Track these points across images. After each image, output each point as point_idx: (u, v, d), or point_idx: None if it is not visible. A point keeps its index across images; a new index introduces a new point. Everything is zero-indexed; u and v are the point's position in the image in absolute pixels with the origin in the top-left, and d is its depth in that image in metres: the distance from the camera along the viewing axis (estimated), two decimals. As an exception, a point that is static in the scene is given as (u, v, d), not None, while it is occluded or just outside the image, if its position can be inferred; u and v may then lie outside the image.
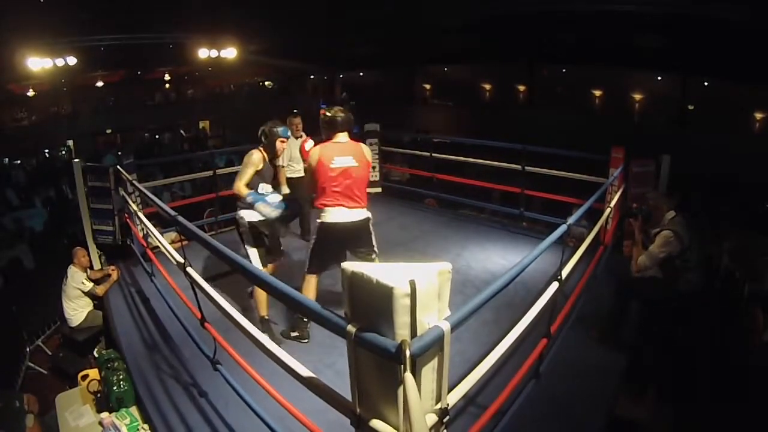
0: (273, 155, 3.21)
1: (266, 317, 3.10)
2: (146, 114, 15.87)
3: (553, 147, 4.82)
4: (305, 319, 3.05)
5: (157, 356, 3.10)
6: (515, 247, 4.63)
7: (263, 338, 1.81)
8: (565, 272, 2.44)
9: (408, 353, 1.13)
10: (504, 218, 5.62)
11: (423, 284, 1.22)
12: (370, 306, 1.25)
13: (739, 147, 8.62)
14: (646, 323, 3.13)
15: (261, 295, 3.09)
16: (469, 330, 3.01)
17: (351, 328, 1.26)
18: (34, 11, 8.80)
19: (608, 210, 3.83)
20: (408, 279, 1.19)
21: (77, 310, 4.13)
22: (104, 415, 2.80)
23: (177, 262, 2.48)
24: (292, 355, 1.67)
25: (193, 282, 2.35)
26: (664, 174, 4.15)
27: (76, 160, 4.51)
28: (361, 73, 17.45)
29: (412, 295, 1.19)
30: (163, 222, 4.78)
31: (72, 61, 10.35)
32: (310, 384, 1.55)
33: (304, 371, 1.58)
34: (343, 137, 2.89)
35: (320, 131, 2.98)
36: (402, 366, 1.14)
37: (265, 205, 2.97)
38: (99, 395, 3.05)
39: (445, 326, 1.26)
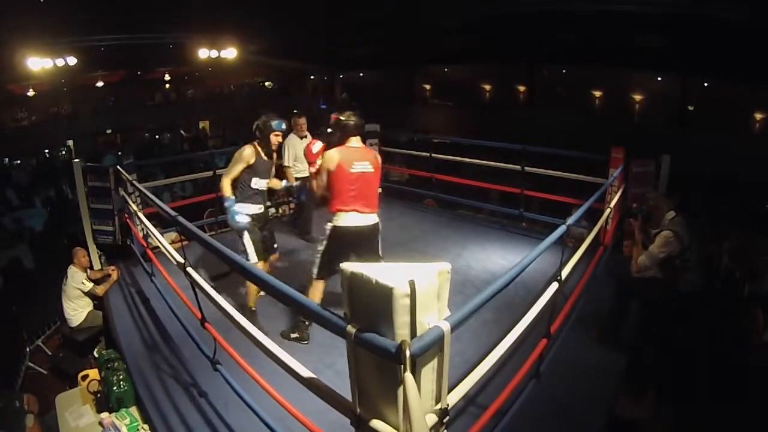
0: (269, 149, 3.21)
1: (254, 309, 3.18)
2: (146, 114, 15.86)
3: (553, 147, 4.82)
4: (306, 321, 3.06)
5: (157, 356, 3.10)
6: (515, 247, 4.63)
7: (263, 338, 1.81)
8: (564, 272, 2.44)
9: (408, 353, 1.13)
10: (504, 218, 5.62)
11: (423, 284, 1.22)
12: (370, 306, 1.25)
13: (739, 147, 8.62)
14: (646, 323, 3.13)
15: (252, 288, 3.17)
16: (469, 330, 3.01)
17: (351, 329, 1.26)
18: (34, 11, 8.79)
19: (608, 210, 3.83)
20: (408, 279, 1.19)
21: (77, 310, 4.13)
22: (104, 415, 2.80)
23: (177, 262, 2.48)
24: (292, 356, 1.67)
25: (193, 282, 2.35)
26: (664, 174, 4.15)
27: (76, 160, 4.51)
28: (361, 73, 17.44)
29: (412, 295, 1.19)
30: (163, 222, 4.78)
31: (72, 61, 10.35)
32: (310, 384, 1.55)
33: (304, 371, 1.58)
34: (356, 142, 2.90)
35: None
36: (402, 366, 1.14)
37: (232, 219, 3.06)
38: (99, 395, 3.05)
39: (445, 326, 1.26)
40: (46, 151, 14.29)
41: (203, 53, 11.69)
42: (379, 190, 3.02)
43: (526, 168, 4.79)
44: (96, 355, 3.89)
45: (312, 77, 18.13)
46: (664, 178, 4.15)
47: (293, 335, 3.08)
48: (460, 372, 1.78)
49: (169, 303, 3.20)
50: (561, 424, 2.39)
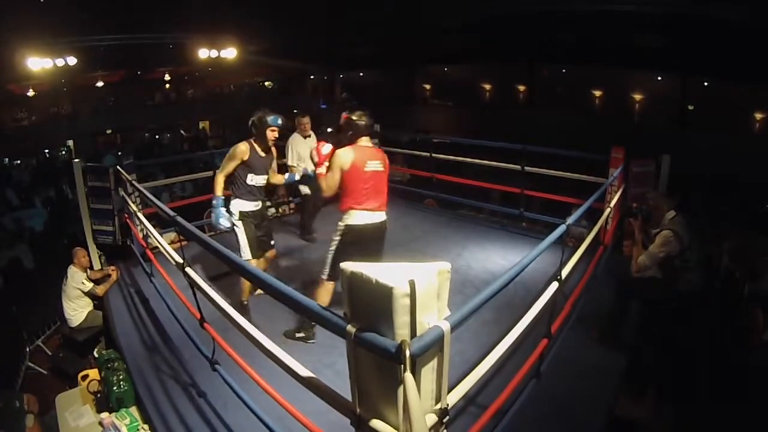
0: (265, 145, 3.21)
1: (245, 302, 3.21)
2: (146, 114, 15.86)
3: (553, 147, 4.81)
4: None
5: (157, 356, 3.10)
6: (515, 247, 4.63)
7: (263, 338, 1.81)
8: (564, 272, 2.44)
9: (408, 353, 1.13)
10: (504, 218, 5.62)
11: (422, 284, 1.22)
12: (370, 306, 1.25)
13: (739, 147, 8.62)
14: (646, 323, 3.12)
15: (245, 282, 3.19)
16: (469, 330, 3.01)
17: (351, 328, 1.26)
18: (34, 11, 8.78)
19: (608, 210, 3.83)
20: (407, 279, 1.19)
21: (77, 310, 4.13)
22: (104, 415, 2.80)
23: (176, 262, 2.48)
24: (292, 355, 1.67)
25: (192, 282, 2.35)
26: (664, 174, 4.15)
27: (76, 160, 4.51)
28: (361, 73, 17.44)
29: (412, 295, 1.19)
30: (162, 222, 4.78)
31: (72, 61, 10.34)
32: (309, 384, 1.55)
33: (304, 371, 1.58)
34: (367, 141, 2.90)
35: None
36: (402, 366, 1.14)
37: (216, 220, 3.15)
38: (99, 395, 3.05)
39: (445, 326, 1.26)
40: (46, 151, 14.29)
41: (203, 53, 11.69)
42: None
43: (527, 168, 4.79)
44: (96, 355, 3.89)
45: (312, 77, 18.13)
46: (664, 178, 4.14)
47: (299, 335, 3.08)
48: (460, 372, 1.78)
49: (168, 303, 3.20)
50: (561, 424, 2.39)
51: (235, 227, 3.21)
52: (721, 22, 7.21)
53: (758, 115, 9.78)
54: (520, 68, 12.75)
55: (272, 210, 5.96)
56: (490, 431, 2.18)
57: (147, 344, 3.27)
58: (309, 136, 4.70)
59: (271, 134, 3.17)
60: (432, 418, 1.32)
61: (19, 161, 13.45)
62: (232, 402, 2.36)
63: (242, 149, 3.12)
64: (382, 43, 12.79)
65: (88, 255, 4.39)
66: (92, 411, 2.98)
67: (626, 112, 11.63)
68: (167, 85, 16.68)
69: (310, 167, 4.62)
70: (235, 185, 3.20)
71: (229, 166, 3.15)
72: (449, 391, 1.41)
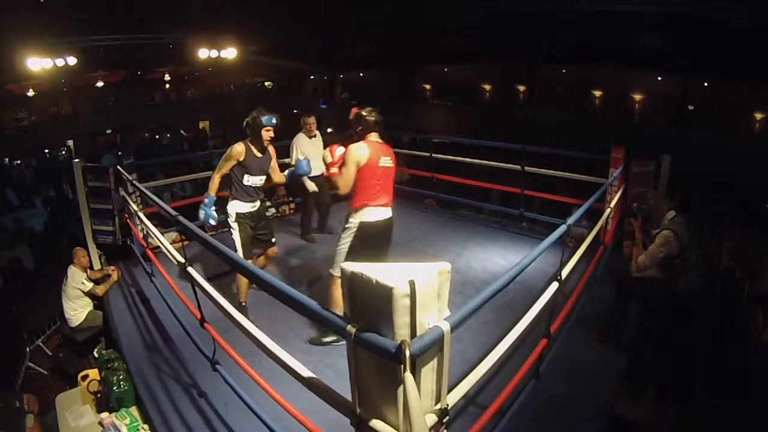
0: (261, 146, 3.21)
1: (244, 303, 3.23)
2: (146, 114, 15.85)
3: (553, 147, 4.82)
4: None
5: (157, 356, 3.10)
6: (515, 247, 4.63)
7: (263, 338, 1.81)
8: (565, 272, 2.44)
9: (408, 353, 1.13)
10: (504, 218, 5.63)
11: (422, 284, 1.22)
12: (370, 306, 1.25)
13: (739, 147, 8.63)
14: (646, 323, 3.12)
15: (243, 282, 3.22)
16: (469, 330, 3.01)
17: (351, 328, 1.26)
18: (34, 11, 8.79)
19: (608, 210, 3.82)
20: (407, 279, 1.19)
21: (77, 310, 4.13)
22: (104, 415, 2.79)
23: (177, 262, 2.48)
24: (293, 355, 1.67)
25: (193, 282, 2.35)
26: (664, 174, 4.15)
27: (76, 160, 4.51)
28: (361, 73, 17.45)
29: (412, 295, 1.19)
30: (163, 222, 4.78)
31: (72, 61, 10.34)
32: (310, 384, 1.55)
33: (304, 371, 1.58)
34: (376, 137, 2.90)
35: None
36: (402, 366, 1.14)
37: (206, 219, 3.18)
38: (99, 395, 3.05)
39: (445, 326, 1.26)
40: (46, 151, 14.29)
41: (203, 53, 11.69)
42: None
43: (527, 168, 4.79)
44: (96, 355, 3.89)
45: (312, 77, 18.13)
46: (664, 178, 4.14)
47: (327, 339, 3.02)
48: (460, 372, 1.78)
49: (168, 303, 3.20)
50: (561, 424, 2.39)
51: (231, 229, 3.23)
52: (721, 22, 7.23)
53: (758, 115, 9.79)
54: (520, 68, 12.76)
55: (272, 210, 5.96)
56: (489, 431, 2.18)
57: (147, 344, 3.28)
58: (314, 136, 4.67)
59: (267, 134, 3.16)
60: (432, 418, 1.32)
61: (19, 161, 13.45)
62: (233, 402, 2.36)
63: (238, 150, 3.13)
64: (382, 43, 12.81)
65: (88, 255, 4.39)
66: (92, 411, 2.98)
67: (626, 112, 11.64)
68: (167, 85, 16.68)
69: (316, 168, 4.62)
70: (232, 186, 3.22)
71: (225, 167, 3.16)
72: (449, 391, 1.41)
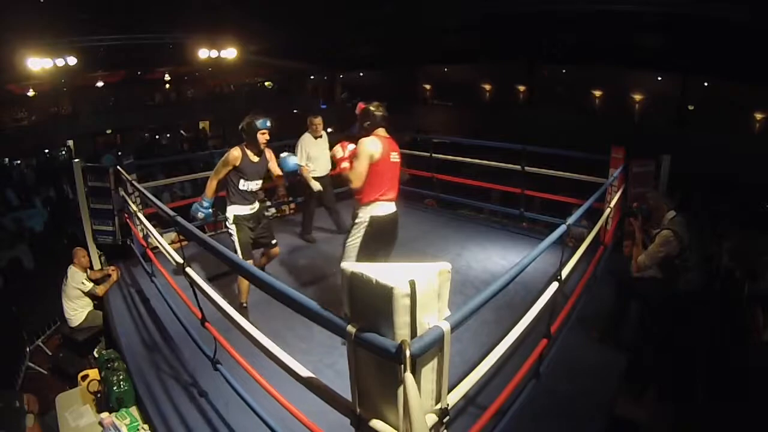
0: (258, 150, 3.22)
1: (245, 304, 3.24)
2: (146, 114, 15.86)
3: (553, 147, 4.82)
4: None
5: (157, 356, 3.10)
6: (515, 247, 4.63)
7: (263, 338, 1.81)
8: (565, 272, 2.44)
9: (408, 353, 1.13)
10: (504, 218, 5.62)
11: (423, 284, 1.22)
12: (370, 306, 1.25)
13: (739, 147, 8.64)
14: (646, 323, 3.12)
15: (243, 283, 3.23)
16: (469, 330, 3.01)
17: (351, 329, 1.26)
18: (34, 11, 8.79)
19: (608, 210, 3.82)
20: (408, 279, 1.20)
21: (77, 310, 4.12)
22: (104, 415, 2.79)
23: (176, 262, 2.48)
24: (293, 356, 1.67)
25: (192, 282, 2.35)
26: (664, 174, 4.15)
27: (76, 160, 4.51)
28: (361, 73, 17.46)
29: (412, 295, 1.19)
30: (163, 222, 4.78)
31: (72, 61, 10.35)
32: (310, 384, 1.55)
33: (305, 371, 1.58)
34: (384, 132, 2.89)
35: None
36: (402, 366, 1.14)
37: (194, 209, 3.22)
38: (99, 395, 3.05)
39: (445, 326, 1.26)
40: (46, 151, 14.29)
41: (203, 53, 11.70)
42: None
43: (527, 168, 4.79)
44: (96, 355, 3.89)
45: (312, 77, 18.14)
46: (664, 177, 4.14)
47: None
48: (460, 372, 1.78)
49: (169, 303, 3.20)
50: (561, 424, 2.39)
51: (229, 231, 3.25)
52: (721, 22, 7.23)
53: (758, 115, 9.80)
54: (520, 68, 12.77)
55: (272, 210, 5.95)
56: (490, 431, 2.18)
57: (147, 344, 3.27)
58: (320, 136, 4.65)
59: (262, 137, 3.18)
60: (432, 418, 1.32)
61: (19, 161, 13.45)
62: (233, 402, 2.36)
63: (234, 155, 3.15)
64: (382, 43, 12.82)
65: (88, 255, 4.39)
66: (92, 411, 2.98)
67: (626, 112, 11.65)
68: (167, 85, 16.70)
69: (321, 169, 4.61)
70: (229, 190, 3.25)
71: (222, 172, 3.19)
72: (449, 391, 1.41)
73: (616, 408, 2.58)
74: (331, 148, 3.20)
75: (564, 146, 4.67)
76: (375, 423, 1.31)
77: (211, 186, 3.23)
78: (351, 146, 2.85)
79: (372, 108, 2.84)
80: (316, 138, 4.61)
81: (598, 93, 12.25)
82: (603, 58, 10.09)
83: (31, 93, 13.48)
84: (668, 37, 8.81)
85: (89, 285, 4.12)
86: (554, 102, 12.74)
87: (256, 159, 3.23)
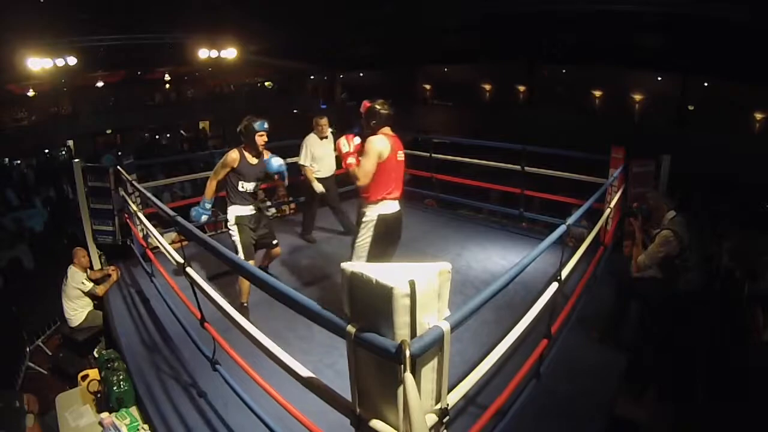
0: (256, 151, 3.24)
1: (245, 304, 3.26)
2: (146, 114, 15.87)
3: (553, 147, 4.82)
4: None
5: (157, 356, 3.10)
6: (515, 247, 4.62)
7: (263, 338, 1.81)
8: (564, 272, 2.44)
9: (408, 353, 1.13)
10: (504, 218, 5.62)
11: (423, 284, 1.22)
12: (370, 306, 1.25)
13: (739, 147, 8.63)
14: (646, 323, 3.12)
15: (244, 283, 3.24)
16: (469, 330, 3.01)
17: (351, 329, 1.26)
18: (34, 11, 8.79)
19: (608, 210, 3.82)
20: (408, 279, 1.19)
21: (77, 310, 4.12)
22: (104, 415, 2.79)
23: (177, 262, 2.48)
24: (292, 356, 1.67)
25: (192, 282, 2.35)
26: (664, 174, 4.15)
27: (76, 160, 4.51)
28: (361, 73, 17.46)
29: (412, 295, 1.19)
30: (163, 222, 4.77)
31: (72, 61, 10.35)
32: (310, 384, 1.55)
33: (304, 371, 1.58)
34: (389, 130, 2.88)
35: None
36: (402, 366, 1.14)
37: (196, 213, 3.25)
38: (99, 395, 3.05)
39: (445, 326, 1.26)
40: (46, 151, 14.29)
41: (203, 53, 11.70)
42: None
43: (527, 168, 4.79)
44: (96, 355, 3.89)
45: (312, 77, 18.14)
46: (664, 178, 4.14)
47: None
48: (460, 372, 1.78)
49: (168, 303, 3.20)
50: (561, 425, 2.39)
51: (230, 231, 3.26)
52: (721, 22, 7.23)
53: (758, 115, 9.80)
54: (520, 68, 12.77)
55: (272, 210, 5.95)
56: (490, 431, 2.18)
57: (147, 344, 3.27)
58: (326, 137, 4.63)
59: (260, 139, 3.20)
60: (432, 418, 1.32)
61: (19, 161, 13.45)
62: (233, 402, 2.36)
63: (233, 157, 3.17)
64: (382, 43, 12.82)
65: (88, 255, 4.39)
66: (92, 411, 2.98)
67: (626, 112, 11.65)
68: (167, 85, 16.70)
69: (325, 169, 4.61)
70: (229, 191, 3.27)
71: (221, 173, 3.21)
72: (449, 391, 1.41)
73: (616, 408, 2.58)
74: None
75: (564, 146, 4.67)
76: (375, 423, 1.31)
77: (211, 187, 3.25)
78: (356, 139, 2.82)
79: (378, 106, 2.83)
80: (321, 138, 4.59)
81: (598, 93, 12.25)
82: (603, 58, 10.09)
83: (31, 93, 13.48)
84: (668, 37, 8.81)
85: (89, 285, 4.12)
86: (554, 102, 12.74)
87: (254, 161, 3.25)
